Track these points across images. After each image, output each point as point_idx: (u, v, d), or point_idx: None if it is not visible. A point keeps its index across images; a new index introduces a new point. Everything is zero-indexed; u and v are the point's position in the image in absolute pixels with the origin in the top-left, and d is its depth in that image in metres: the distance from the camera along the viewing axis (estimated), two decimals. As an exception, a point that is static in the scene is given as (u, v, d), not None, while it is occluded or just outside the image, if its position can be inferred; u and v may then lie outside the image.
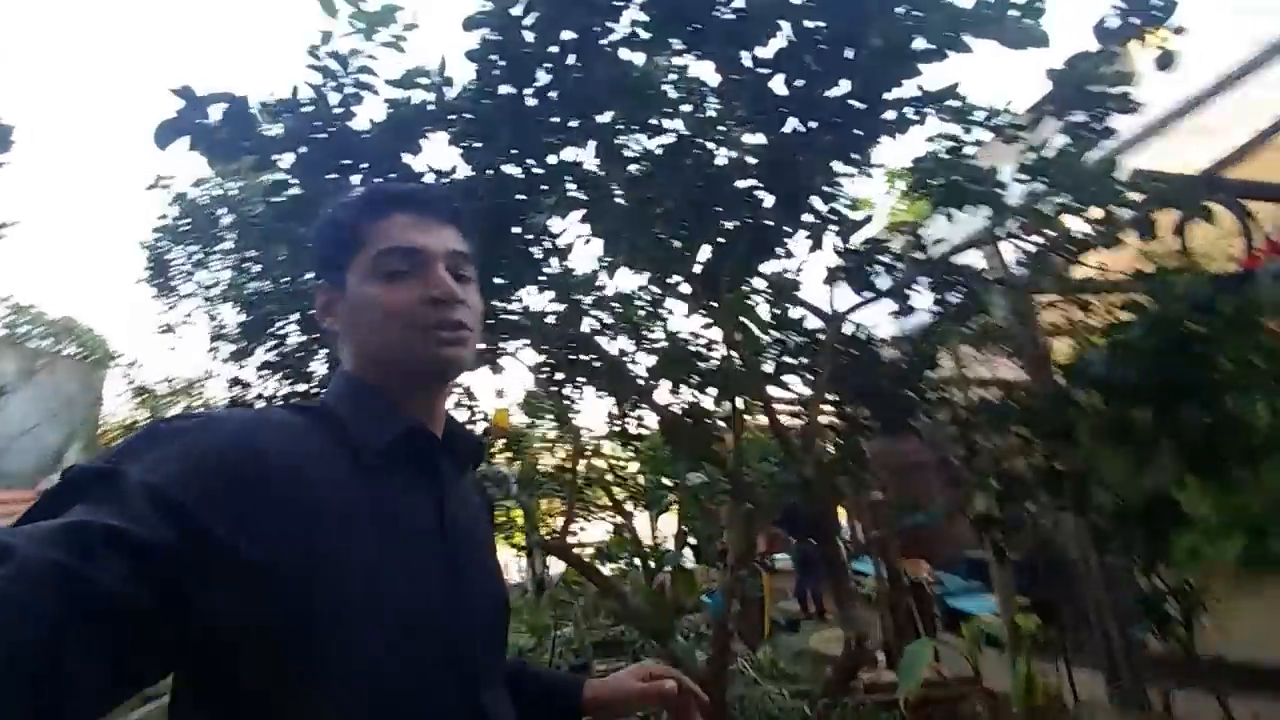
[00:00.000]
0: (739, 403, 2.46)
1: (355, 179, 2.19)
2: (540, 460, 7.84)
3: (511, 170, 2.29)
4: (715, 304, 2.27)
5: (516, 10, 1.93)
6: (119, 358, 9.04)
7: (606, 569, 6.88)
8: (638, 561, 3.02)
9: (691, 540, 3.25)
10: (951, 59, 1.93)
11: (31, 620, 0.42)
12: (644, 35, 2.00)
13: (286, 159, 2.10)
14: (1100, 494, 2.84)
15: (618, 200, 2.20)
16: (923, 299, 2.98)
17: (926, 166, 2.48)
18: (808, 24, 1.87)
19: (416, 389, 0.84)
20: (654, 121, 2.41)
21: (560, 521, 4.35)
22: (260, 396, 4.52)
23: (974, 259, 3.02)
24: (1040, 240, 2.43)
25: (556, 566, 3.58)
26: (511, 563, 10.66)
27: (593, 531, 8.19)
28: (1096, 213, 2.29)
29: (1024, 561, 6.15)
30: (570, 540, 5.92)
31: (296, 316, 3.45)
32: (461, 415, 3.97)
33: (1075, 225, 2.39)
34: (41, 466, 9.35)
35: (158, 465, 0.58)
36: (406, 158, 2.24)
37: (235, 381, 4.69)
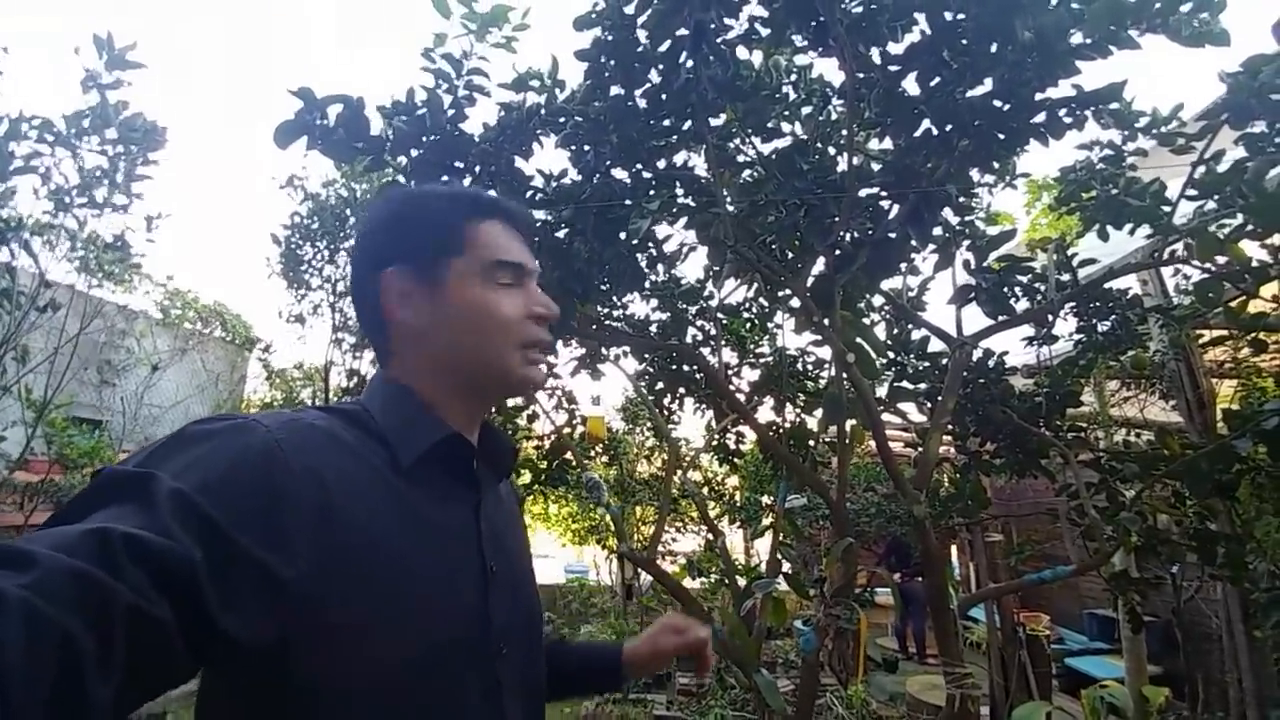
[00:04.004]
0: (847, 427, 2.28)
1: (466, 181, 2.19)
2: (637, 468, 7.84)
3: (620, 174, 2.23)
4: (828, 321, 2.11)
5: (630, 9, 1.87)
6: (259, 342, 9.78)
7: (695, 583, 6.77)
8: (726, 580, 2.91)
9: (786, 566, 3.08)
10: (1113, 58, 1.71)
11: (48, 630, 0.41)
12: (763, 32, 1.89)
13: (400, 160, 2.12)
14: (1258, 561, 2.49)
15: (728, 207, 2.09)
16: (1066, 326, 2.69)
17: (1078, 177, 2.22)
18: (948, 15, 1.70)
19: (481, 399, 0.85)
20: (770, 124, 2.28)
21: (652, 530, 4.28)
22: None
23: (1129, 284, 2.70)
24: (1209, 267, 2.12)
25: (648, 574, 3.55)
26: (602, 565, 10.79)
27: (685, 543, 8.12)
28: (1276, 239, 1.98)
29: (1159, 627, 5.54)
30: (660, 550, 5.86)
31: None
32: (561, 419, 3.97)
33: (1251, 252, 2.07)
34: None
35: (188, 470, 0.57)
36: (517, 161, 2.23)
37: (352, 374, 4.94)
